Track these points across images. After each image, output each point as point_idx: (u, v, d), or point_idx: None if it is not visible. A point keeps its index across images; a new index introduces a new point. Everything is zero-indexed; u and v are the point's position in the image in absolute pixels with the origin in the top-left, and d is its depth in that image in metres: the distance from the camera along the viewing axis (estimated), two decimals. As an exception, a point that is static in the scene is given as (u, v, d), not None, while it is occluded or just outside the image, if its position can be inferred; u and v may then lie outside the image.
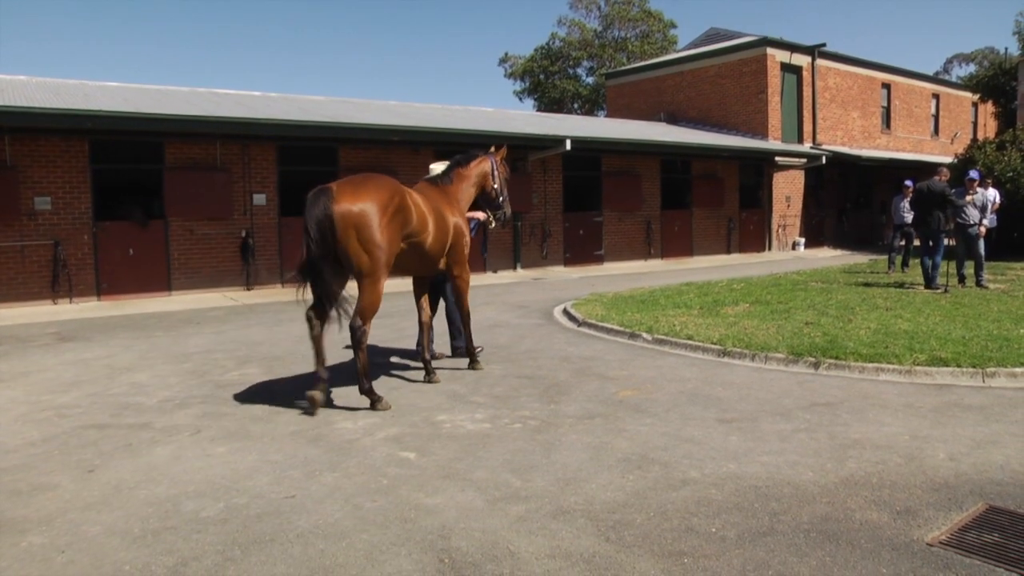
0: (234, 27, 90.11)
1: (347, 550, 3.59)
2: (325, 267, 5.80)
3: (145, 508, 4.13)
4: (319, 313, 6.01)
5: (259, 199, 15.68)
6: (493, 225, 8.04)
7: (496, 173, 7.58)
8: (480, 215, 7.93)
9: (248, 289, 15.40)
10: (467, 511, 4.03)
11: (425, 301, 7.34)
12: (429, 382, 6.98)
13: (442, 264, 7.02)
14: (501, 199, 7.68)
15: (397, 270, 6.49)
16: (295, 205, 16.10)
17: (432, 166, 7.61)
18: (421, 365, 7.32)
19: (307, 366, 7.85)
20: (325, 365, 6.07)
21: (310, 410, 5.93)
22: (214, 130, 14.54)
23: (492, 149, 7.72)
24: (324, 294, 5.93)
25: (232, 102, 17.28)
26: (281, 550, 3.61)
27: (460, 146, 17.07)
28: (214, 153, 15.16)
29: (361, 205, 5.74)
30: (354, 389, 6.68)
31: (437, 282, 7.87)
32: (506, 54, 50.90)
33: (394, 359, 8.14)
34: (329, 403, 6.17)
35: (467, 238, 7.16)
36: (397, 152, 17.37)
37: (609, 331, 9.54)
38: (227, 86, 22.24)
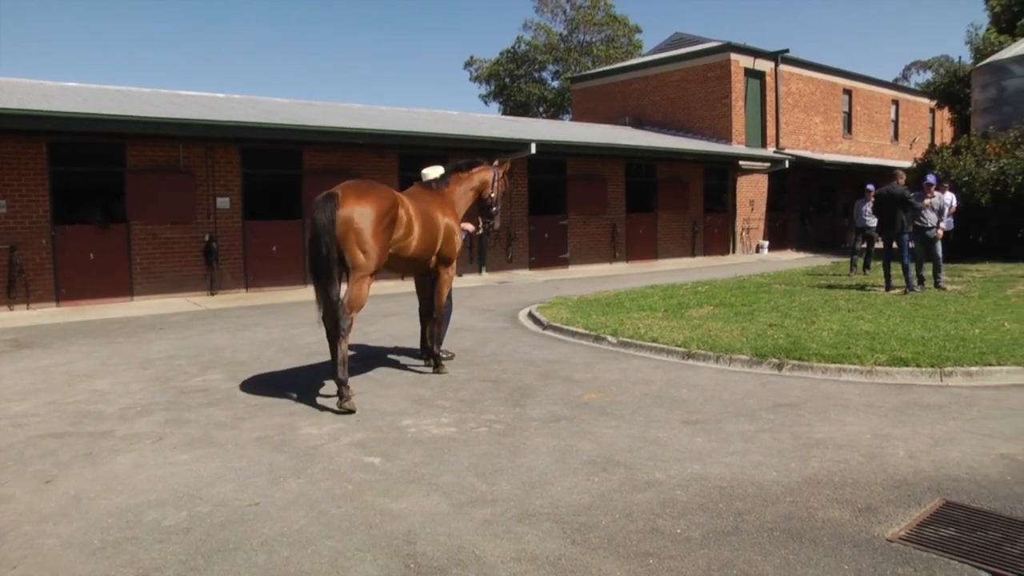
0: (198, 28, 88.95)
1: (312, 557, 3.56)
2: (334, 263, 6.17)
3: (105, 518, 4.05)
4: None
5: (223, 202, 15.46)
6: (481, 232, 8.40)
7: (495, 184, 8.01)
8: (469, 227, 8.18)
9: (212, 294, 15.17)
10: (432, 516, 4.01)
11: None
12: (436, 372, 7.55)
13: (432, 263, 7.31)
14: (494, 209, 8.12)
15: (390, 270, 7.16)
16: (259, 208, 15.98)
17: (424, 171, 7.81)
18: (385, 367, 7.30)
19: (271, 369, 7.80)
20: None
21: None
22: (177, 132, 14.32)
23: (496, 163, 8.11)
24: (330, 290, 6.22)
25: (195, 104, 17.03)
26: (245, 558, 3.56)
27: (425, 150, 17.13)
28: (177, 155, 14.92)
29: (361, 210, 6.23)
30: (319, 393, 6.65)
31: None
32: (472, 57, 51.00)
33: (359, 363, 8.07)
34: None
35: (458, 237, 7.50)
36: (362, 155, 17.26)
37: (574, 334, 9.57)
38: (189, 87, 21.89)
